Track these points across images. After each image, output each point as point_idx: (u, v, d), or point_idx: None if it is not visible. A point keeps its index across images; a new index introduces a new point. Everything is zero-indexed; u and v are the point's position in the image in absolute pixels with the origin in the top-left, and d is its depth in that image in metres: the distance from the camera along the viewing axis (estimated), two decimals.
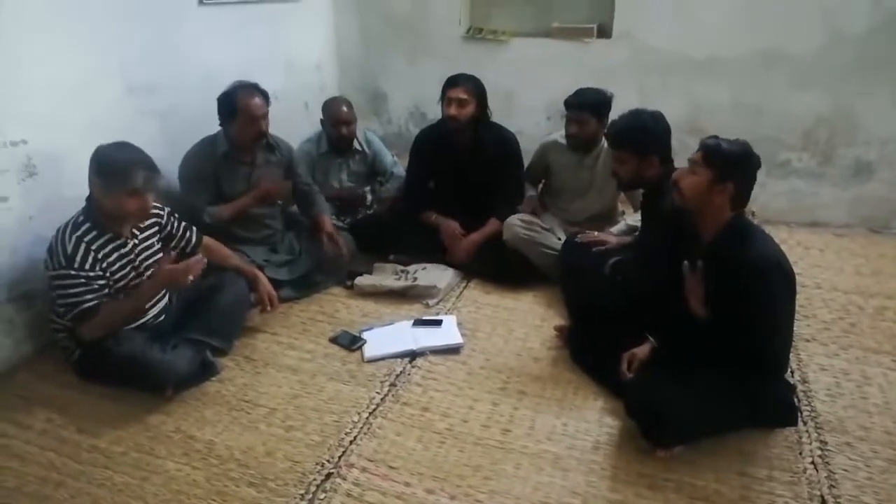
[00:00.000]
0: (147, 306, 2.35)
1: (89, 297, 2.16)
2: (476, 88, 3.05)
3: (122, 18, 2.70)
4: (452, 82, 3.05)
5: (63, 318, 2.21)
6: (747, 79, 3.64)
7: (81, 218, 2.19)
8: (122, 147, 2.16)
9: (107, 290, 2.22)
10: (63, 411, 2.22)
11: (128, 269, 2.28)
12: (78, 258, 2.13)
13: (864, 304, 2.89)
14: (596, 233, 2.98)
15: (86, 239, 2.16)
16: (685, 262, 2.08)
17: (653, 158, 2.39)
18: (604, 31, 3.86)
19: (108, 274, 2.21)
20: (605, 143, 3.02)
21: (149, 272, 2.34)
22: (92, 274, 2.16)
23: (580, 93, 2.96)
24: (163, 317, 2.45)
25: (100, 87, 2.66)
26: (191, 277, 2.24)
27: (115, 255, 2.23)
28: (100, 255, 2.18)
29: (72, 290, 2.15)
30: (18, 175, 2.37)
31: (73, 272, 2.13)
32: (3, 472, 1.96)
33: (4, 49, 2.27)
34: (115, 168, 2.11)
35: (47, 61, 2.41)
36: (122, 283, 2.26)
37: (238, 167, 2.88)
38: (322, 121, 3.40)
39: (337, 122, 3.32)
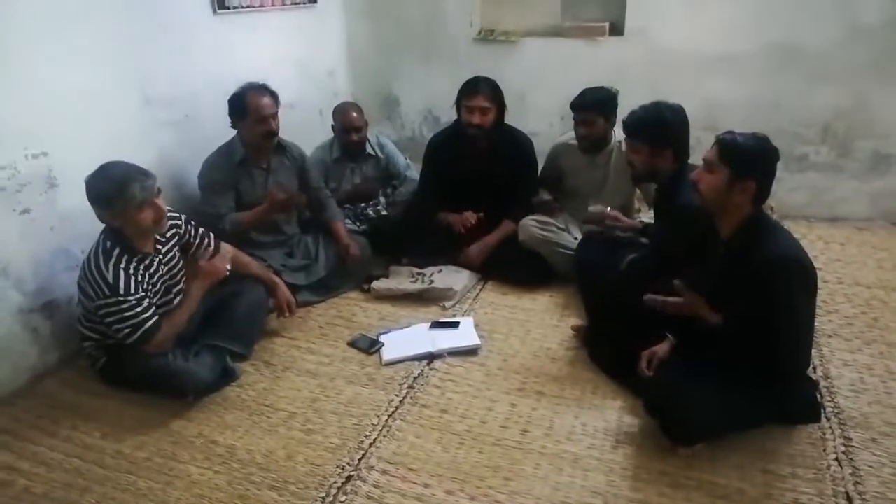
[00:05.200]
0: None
1: (147, 315, 2.19)
2: (496, 94, 3.08)
3: (139, 30, 2.75)
4: (473, 90, 3.04)
5: (126, 341, 2.20)
6: (762, 74, 3.61)
7: (109, 244, 2.19)
8: (106, 169, 2.14)
9: (154, 307, 2.25)
10: (88, 418, 2.26)
11: (159, 284, 2.31)
12: (122, 284, 2.15)
13: (887, 299, 2.85)
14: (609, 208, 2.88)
15: (122, 265, 2.17)
16: (675, 281, 2.06)
17: (667, 151, 2.38)
18: (616, 29, 3.85)
19: (147, 293, 2.25)
20: (615, 140, 3.02)
21: (176, 283, 2.38)
22: (139, 295, 2.19)
23: (584, 93, 2.96)
24: None
25: (117, 98, 2.70)
26: (228, 266, 2.42)
27: (146, 275, 2.25)
28: (138, 278, 2.21)
29: (128, 314, 2.17)
30: (40, 187, 2.42)
31: (120, 298, 2.15)
32: (30, 478, 2.00)
33: (23, 63, 2.31)
34: (110, 193, 2.10)
35: (65, 74, 2.45)
36: (156, 298, 2.29)
37: (255, 173, 2.91)
38: (333, 126, 3.42)
39: (347, 127, 3.33)
